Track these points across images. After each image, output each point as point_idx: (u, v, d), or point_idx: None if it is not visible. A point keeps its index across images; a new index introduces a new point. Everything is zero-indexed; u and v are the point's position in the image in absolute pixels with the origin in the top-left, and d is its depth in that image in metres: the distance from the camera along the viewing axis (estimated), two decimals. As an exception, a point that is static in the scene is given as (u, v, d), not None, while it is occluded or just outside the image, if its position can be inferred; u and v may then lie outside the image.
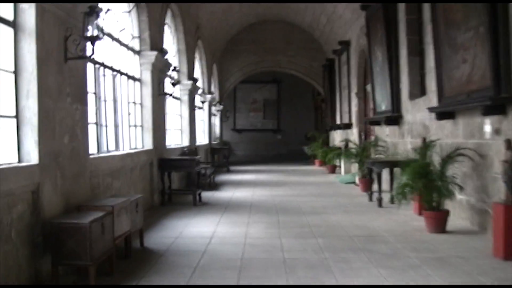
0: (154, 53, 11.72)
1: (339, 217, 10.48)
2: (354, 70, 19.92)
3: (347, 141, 20.13)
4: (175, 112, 16.34)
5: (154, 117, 11.89)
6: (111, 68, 9.75)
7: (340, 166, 21.88)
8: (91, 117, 8.18)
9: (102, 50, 9.13)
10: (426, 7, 11.14)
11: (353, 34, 19.90)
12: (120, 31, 10.34)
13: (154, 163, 11.77)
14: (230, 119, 33.68)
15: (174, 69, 13.06)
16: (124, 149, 10.36)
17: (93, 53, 6.67)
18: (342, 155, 18.57)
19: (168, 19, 15.32)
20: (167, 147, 13.61)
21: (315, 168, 25.16)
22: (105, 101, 9.28)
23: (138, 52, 11.63)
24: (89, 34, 6.54)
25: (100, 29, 6.70)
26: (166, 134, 13.59)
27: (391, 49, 13.70)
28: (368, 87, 17.11)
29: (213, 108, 25.54)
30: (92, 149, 8.17)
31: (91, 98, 8.32)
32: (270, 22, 27.62)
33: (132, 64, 11.40)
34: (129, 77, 11.02)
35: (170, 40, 15.87)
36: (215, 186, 16.38)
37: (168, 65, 12.88)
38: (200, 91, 20.28)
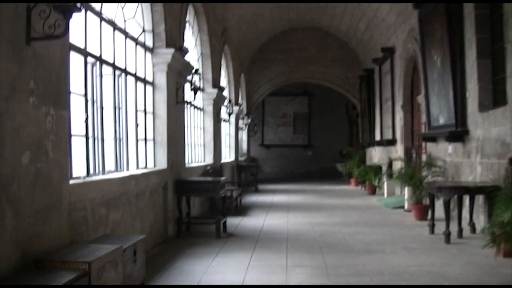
0: (171, 51, 9.59)
1: (401, 258, 8.20)
2: (400, 79, 17.65)
3: (391, 160, 17.98)
4: (197, 125, 14.19)
5: (169, 129, 9.75)
6: (112, 66, 7.63)
7: (379, 187, 19.69)
8: (77, 128, 6.04)
9: (98, 41, 7.02)
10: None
11: (399, 39, 17.66)
12: (127, 20, 8.22)
13: (169, 185, 9.60)
14: (258, 134, 31.60)
15: (196, 72, 10.82)
16: (129, 170, 8.20)
17: (66, 31, 4.51)
18: (390, 176, 16.43)
19: (190, 18, 13.22)
20: (186, 165, 11.45)
21: (351, 188, 22.99)
22: (101, 107, 7.12)
23: (150, 49, 9.52)
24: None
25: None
26: (185, 150, 11.44)
27: (454, 51, 11.47)
28: (420, 98, 14.83)
29: (240, 122, 23.39)
30: (78, 171, 6.03)
31: (77, 102, 6.18)
32: (302, 29, 25.56)
33: (143, 63, 9.27)
34: (138, 78, 8.92)
35: (192, 43, 13.74)
36: (242, 210, 14.19)
37: (188, 67, 10.73)
38: (226, 102, 18.10)
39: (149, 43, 9.52)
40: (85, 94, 6.49)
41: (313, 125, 32.51)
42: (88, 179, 6.27)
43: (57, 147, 4.99)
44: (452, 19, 11.55)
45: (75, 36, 6.18)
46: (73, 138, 5.85)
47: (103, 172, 7.05)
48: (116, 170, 7.69)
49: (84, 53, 6.49)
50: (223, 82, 18.28)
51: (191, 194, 10.46)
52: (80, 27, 6.45)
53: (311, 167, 32.01)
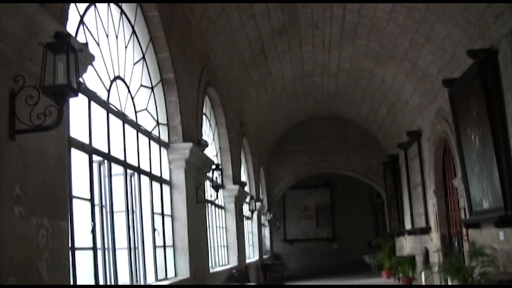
0: (189, 145, 8.70)
1: None
2: (430, 163, 16.59)
3: (427, 250, 16.71)
4: (219, 224, 13.12)
5: (190, 232, 8.72)
6: (123, 164, 6.68)
7: (415, 279, 18.31)
8: (82, 239, 5.02)
9: (106, 135, 6.10)
10: None
11: (425, 121, 16.75)
12: (138, 112, 7.35)
13: (193, 297, 8.48)
14: (280, 229, 30.47)
15: (217, 168, 9.85)
16: (147, 281, 7.09)
17: (59, 120, 3.56)
18: (429, 268, 15.18)
19: (206, 110, 12.43)
20: (210, 271, 10.32)
21: (384, 281, 21.65)
22: (111, 212, 6.11)
23: (166, 145, 8.61)
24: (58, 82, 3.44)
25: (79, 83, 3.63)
26: (209, 254, 10.34)
27: (496, 127, 10.47)
28: (456, 182, 13.73)
29: (262, 218, 22.27)
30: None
31: (81, 208, 5.19)
32: (321, 119, 24.89)
33: (158, 160, 8.34)
34: (153, 177, 7.97)
35: (210, 137, 12.87)
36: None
37: (208, 162, 9.81)
38: (248, 198, 17.07)
39: (164, 137, 8.62)
40: (91, 199, 5.50)
41: (336, 216, 31.49)
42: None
43: (53, 267, 3.98)
44: (490, 94, 10.65)
45: (77, 130, 5.28)
46: (77, 253, 4.83)
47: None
48: (132, 283, 6.59)
49: (89, 150, 5.56)
50: (243, 177, 17.32)
51: (218, 304, 9.32)
52: (84, 119, 5.55)
53: (337, 260, 30.60)
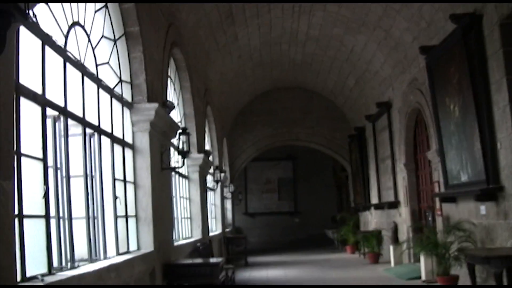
0: (154, 106, 7.91)
1: None
2: (401, 136, 16.11)
3: (396, 224, 16.30)
4: (182, 195, 12.39)
5: (155, 201, 7.96)
6: (82, 122, 5.89)
7: (382, 254, 17.93)
8: (32, 205, 4.25)
9: (62, 87, 5.29)
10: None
11: (397, 92, 16.24)
12: (99, 65, 6.53)
13: (156, 272, 7.73)
14: (241, 202, 29.90)
15: (184, 132, 9.03)
16: (108, 256, 6.34)
17: (3, 44, 2.78)
18: (396, 242, 14.87)
19: (171, 73, 11.62)
20: (175, 244, 9.61)
21: (348, 257, 21.26)
22: (68, 176, 5.32)
23: (129, 104, 7.81)
24: None
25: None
26: (173, 226, 9.62)
27: (478, 96, 9.93)
28: (430, 154, 13.25)
29: (225, 190, 21.58)
30: (34, 267, 4.21)
31: (32, 169, 4.42)
32: (286, 89, 24.21)
33: (120, 121, 7.54)
34: (116, 140, 7.16)
35: (174, 101, 12.06)
36: (238, 292, 12.29)
37: (174, 126, 9.05)
38: (212, 169, 16.33)
39: (127, 97, 7.82)
40: (44, 158, 4.71)
41: (299, 190, 31.19)
42: (50, 278, 4.40)
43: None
44: (472, 61, 10.09)
45: (28, 78, 4.48)
46: (25, 221, 4.07)
47: (72, 264, 5.20)
48: (90, 259, 5.83)
49: (42, 101, 4.75)
50: (207, 146, 16.56)
51: (184, 281, 8.55)
52: (36, 66, 4.75)
53: (299, 234, 30.30)
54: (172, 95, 11.72)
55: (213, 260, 9.21)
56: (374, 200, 20.04)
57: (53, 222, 4.86)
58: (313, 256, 22.13)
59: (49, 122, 4.97)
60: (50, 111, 4.99)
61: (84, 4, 6.21)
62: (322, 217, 28.96)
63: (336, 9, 14.79)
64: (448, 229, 11.13)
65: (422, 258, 12.55)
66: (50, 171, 4.93)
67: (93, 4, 6.61)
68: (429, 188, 14.58)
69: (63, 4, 5.54)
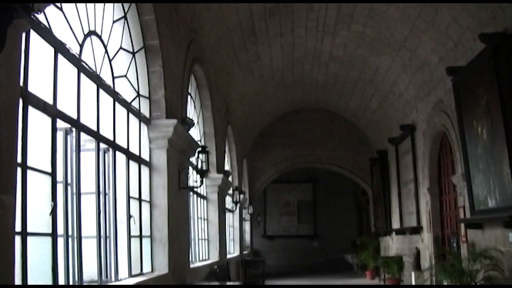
0: (173, 122, 7.64)
1: None
2: (425, 159, 15.69)
3: (418, 250, 15.85)
4: (200, 216, 12.09)
5: (171, 222, 7.65)
6: (95, 136, 5.62)
7: (402, 280, 17.47)
8: (38, 222, 3.97)
9: (75, 98, 5.03)
10: None
11: (421, 114, 15.86)
12: (116, 77, 6.28)
13: (171, 296, 7.41)
14: (260, 224, 29.54)
15: (203, 151, 8.75)
16: (119, 277, 6.03)
17: (3, 41, 2.50)
18: (418, 269, 14.44)
19: (191, 91, 11.39)
20: (190, 266, 9.28)
21: (368, 282, 20.91)
22: (78, 193, 5.04)
23: (147, 120, 7.54)
24: None
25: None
26: (190, 248, 9.31)
27: (507, 118, 9.55)
28: (455, 179, 12.82)
29: (244, 211, 21.25)
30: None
31: (39, 184, 4.14)
32: (307, 110, 23.92)
33: (136, 138, 7.27)
34: (131, 156, 6.89)
35: (194, 119, 11.80)
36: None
37: (193, 144, 8.77)
38: (231, 190, 16.01)
39: (145, 112, 7.55)
40: (53, 173, 4.43)
41: (318, 213, 30.78)
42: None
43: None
44: (502, 81, 9.73)
45: (39, 86, 4.22)
46: (29, 239, 3.79)
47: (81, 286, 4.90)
48: (100, 280, 5.53)
49: (52, 112, 4.49)
50: (226, 167, 16.27)
51: (200, 305, 8.25)
52: (48, 75, 4.49)
53: (318, 258, 29.80)
54: (192, 112, 11.47)
55: (230, 284, 8.85)
56: (396, 225, 19.59)
57: (60, 241, 4.57)
58: (332, 280, 21.74)
59: (60, 134, 4.72)
60: (61, 123, 4.73)
61: (101, 13, 5.97)
62: (342, 241, 28.47)
63: (361, 29, 14.53)
64: (474, 257, 10.66)
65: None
66: (60, 187, 4.66)
67: (111, 14, 6.37)
68: (453, 213, 14.15)
69: (79, 11, 5.29)
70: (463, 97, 11.66)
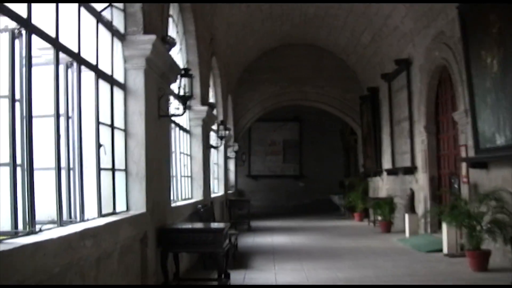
0: (151, 38, 6.43)
1: None
2: (421, 96, 14.81)
3: (413, 191, 15.12)
4: (182, 150, 11.15)
5: (149, 154, 6.67)
6: (55, 44, 4.56)
7: (393, 223, 16.80)
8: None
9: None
10: None
11: (418, 48, 14.91)
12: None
13: (149, 238, 6.49)
14: (244, 164, 28.78)
15: (187, 74, 7.67)
16: (86, 218, 5.09)
17: None
18: (412, 210, 13.93)
19: (174, 13, 10.30)
20: (172, 205, 8.38)
21: (357, 224, 20.37)
22: (29, 112, 4.02)
23: (121, 36, 6.50)
24: None
25: None
26: (171, 185, 8.38)
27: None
28: (457, 115, 11.96)
29: (228, 149, 20.35)
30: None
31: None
32: (295, 46, 22.75)
33: (109, 55, 6.22)
34: (102, 75, 5.87)
35: (176, 45, 10.72)
36: (241, 259, 11.12)
37: (175, 66, 7.72)
38: (215, 125, 15.03)
39: (119, 27, 6.49)
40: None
41: (304, 153, 29.93)
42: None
43: None
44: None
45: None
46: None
47: (32, 229, 3.92)
48: (61, 221, 4.57)
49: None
50: (211, 100, 15.23)
51: (182, 249, 7.34)
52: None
53: (304, 199, 29.21)
54: (174, 36, 10.38)
55: (216, 225, 7.99)
56: (387, 165, 18.87)
57: (5, 172, 3.60)
58: (319, 222, 21.14)
59: (4, 37, 3.67)
60: (7, 22, 3.68)
61: None
62: (328, 182, 27.71)
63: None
64: (480, 198, 9.85)
65: (444, 230, 11.38)
66: (4, 104, 3.65)
67: None
68: (451, 153, 13.38)
69: None
70: (470, 26, 10.73)
